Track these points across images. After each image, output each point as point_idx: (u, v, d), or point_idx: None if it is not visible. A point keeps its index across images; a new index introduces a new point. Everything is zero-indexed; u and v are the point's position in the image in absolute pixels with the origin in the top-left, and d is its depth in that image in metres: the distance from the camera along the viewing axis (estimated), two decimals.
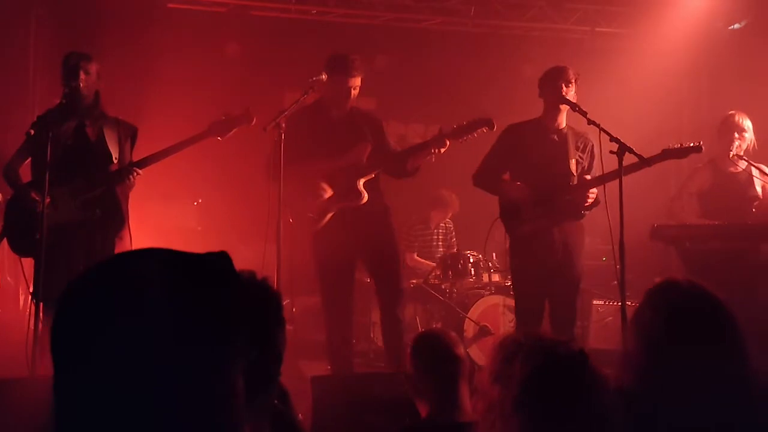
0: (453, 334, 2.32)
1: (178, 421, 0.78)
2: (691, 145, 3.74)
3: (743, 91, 5.00)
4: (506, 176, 4.12)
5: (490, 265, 5.46)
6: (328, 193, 4.00)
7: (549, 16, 6.30)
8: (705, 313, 1.82)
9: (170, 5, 5.97)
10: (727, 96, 4.94)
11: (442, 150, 3.87)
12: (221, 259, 0.87)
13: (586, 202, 3.87)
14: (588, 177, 3.96)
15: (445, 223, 6.13)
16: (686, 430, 1.70)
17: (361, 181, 3.96)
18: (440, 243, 6.09)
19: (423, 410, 2.13)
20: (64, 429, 0.80)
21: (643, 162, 3.51)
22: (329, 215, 3.99)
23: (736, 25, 5.90)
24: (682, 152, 3.74)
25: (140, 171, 3.75)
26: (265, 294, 1.33)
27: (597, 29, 6.36)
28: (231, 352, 0.83)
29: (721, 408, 1.71)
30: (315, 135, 3.98)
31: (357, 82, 4.02)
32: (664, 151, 3.74)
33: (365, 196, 3.95)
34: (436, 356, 2.11)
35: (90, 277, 0.83)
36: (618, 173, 3.49)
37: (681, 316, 1.83)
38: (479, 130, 3.86)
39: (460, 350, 2.17)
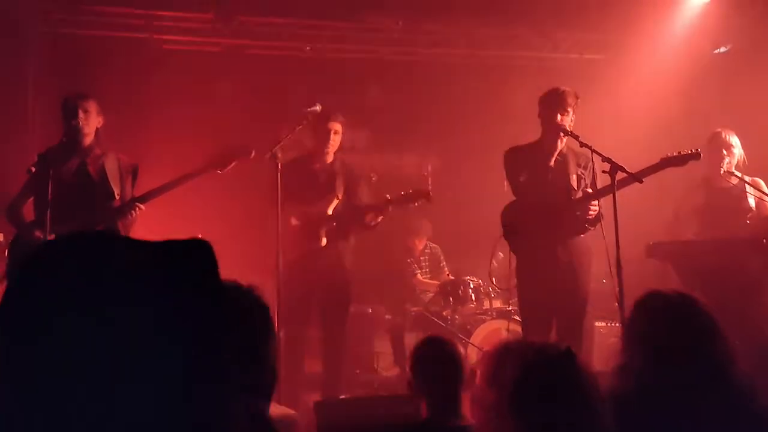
0: (453, 340, 2.37)
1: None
2: (690, 152, 3.72)
3: (730, 110, 5.10)
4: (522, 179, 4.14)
5: (491, 290, 5.48)
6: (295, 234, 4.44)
7: (537, 45, 6.44)
8: (691, 322, 1.89)
9: (165, 46, 6.08)
10: (715, 115, 5.04)
11: (385, 213, 4.45)
12: (201, 249, 0.81)
13: (589, 215, 3.89)
14: (590, 191, 3.99)
15: (429, 249, 6.19)
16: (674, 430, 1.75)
17: (323, 229, 4.45)
18: (427, 268, 6.14)
19: (423, 413, 2.16)
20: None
21: (640, 175, 3.56)
22: (292, 254, 4.33)
23: (722, 49, 6.04)
24: (680, 159, 3.71)
25: (143, 206, 3.79)
26: (251, 302, 1.35)
27: (585, 56, 6.49)
28: (214, 360, 0.77)
29: (708, 416, 1.76)
30: (299, 182, 4.47)
31: (337, 126, 4.50)
32: (662, 159, 3.72)
33: (324, 241, 4.46)
34: (437, 360, 2.16)
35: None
36: (611, 180, 3.52)
37: (664, 323, 1.90)
38: (418, 201, 4.43)
39: (461, 355, 2.22)
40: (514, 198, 4.16)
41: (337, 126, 4.51)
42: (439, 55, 6.53)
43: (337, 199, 4.54)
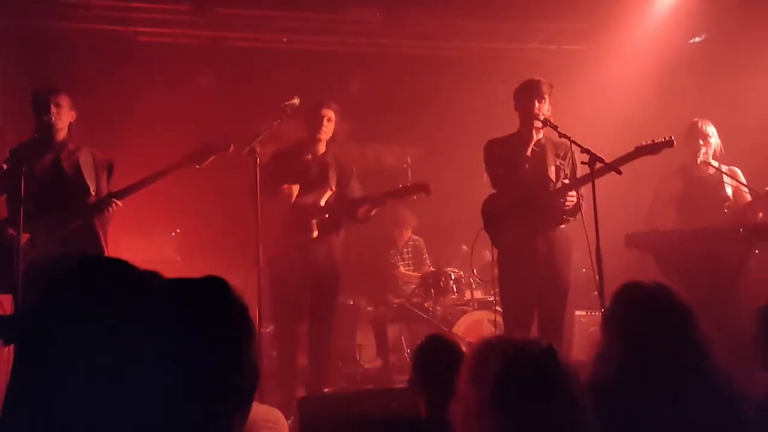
0: (457, 339, 2.36)
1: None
2: (663, 139, 3.74)
3: (707, 100, 5.14)
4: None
5: (472, 281, 5.50)
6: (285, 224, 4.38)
7: (517, 36, 6.43)
8: (669, 312, 1.93)
9: (140, 38, 5.99)
10: (692, 105, 5.07)
11: (382, 205, 4.42)
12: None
13: (567, 205, 3.90)
14: (567, 181, 4.01)
15: (413, 241, 6.19)
16: (654, 421, 1.78)
17: (314, 221, 4.37)
18: (410, 261, 6.14)
19: (422, 411, 2.15)
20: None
21: (616, 164, 3.58)
22: (281, 245, 4.32)
23: (697, 39, 6.08)
24: (654, 148, 3.74)
25: (119, 202, 3.74)
26: (229, 301, 1.32)
27: (563, 47, 6.50)
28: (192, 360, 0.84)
29: (686, 403, 1.79)
30: (290, 173, 4.40)
31: (330, 114, 4.45)
32: (636, 148, 3.75)
33: (315, 233, 4.37)
34: (441, 359, 2.14)
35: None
36: (590, 171, 3.54)
37: (642, 312, 1.94)
38: (418, 194, 4.34)
39: (464, 354, 2.21)
40: (494, 190, 4.17)
41: (330, 113, 4.45)
42: (419, 47, 6.50)
43: (331, 190, 4.46)
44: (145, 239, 5.31)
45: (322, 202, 4.42)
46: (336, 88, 6.09)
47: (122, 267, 0.90)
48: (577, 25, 6.28)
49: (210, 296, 1.36)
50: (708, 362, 1.88)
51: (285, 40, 6.24)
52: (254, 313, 3.52)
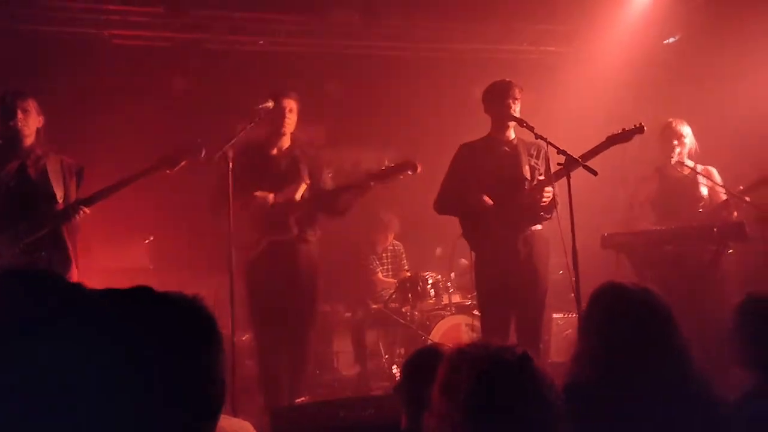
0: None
1: None
2: (634, 126, 3.72)
3: (682, 100, 5.18)
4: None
5: (449, 285, 5.47)
6: (262, 225, 4.14)
7: (494, 38, 6.43)
8: (645, 311, 1.92)
9: (115, 41, 5.89)
10: (667, 105, 5.10)
11: (365, 192, 4.13)
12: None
13: (543, 202, 3.88)
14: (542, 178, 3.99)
15: (393, 246, 6.14)
16: (631, 420, 1.77)
17: (293, 218, 4.14)
18: (389, 266, 6.09)
19: (403, 421, 2.10)
20: None
21: (589, 155, 3.60)
22: (261, 247, 4.11)
23: (671, 39, 6.13)
24: (625, 136, 3.72)
25: (87, 209, 3.65)
26: (196, 314, 1.27)
27: (541, 48, 6.52)
28: (150, 377, 0.81)
29: (663, 401, 1.78)
30: (255, 171, 4.12)
31: (291, 104, 4.23)
32: (608, 137, 3.74)
33: (294, 231, 4.14)
34: (426, 371, 2.09)
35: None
36: (566, 173, 3.53)
37: (623, 315, 1.92)
38: (404, 173, 4.03)
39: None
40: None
41: (291, 104, 4.25)
42: (397, 49, 6.47)
43: (305, 184, 4.21)
44: (117, 248, 5.21)
45: (298, 197, 4.17)
46: (313, 90, 6.04)
47: (48, 281, 0.87)
48: (555, 27, 6.30)
49: (148, 306, 1.31)
50: (688, 367, 1.87)
51: (261, 42, 6.18)
52: (226, 321, 3.45)
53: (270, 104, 3.99)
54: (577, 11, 5.70)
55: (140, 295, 0.93)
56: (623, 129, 3.73)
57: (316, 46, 6.33)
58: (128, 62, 5.88)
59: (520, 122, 3.90)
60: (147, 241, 5.54)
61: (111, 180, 3.72)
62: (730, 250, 4.18)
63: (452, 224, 4.24)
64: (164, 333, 1.01)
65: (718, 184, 4.41)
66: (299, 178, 4.21)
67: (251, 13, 5.96)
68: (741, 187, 4.24)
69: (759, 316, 2.12)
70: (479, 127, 4.29)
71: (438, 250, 5.84)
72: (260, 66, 6.16)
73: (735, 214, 4.28)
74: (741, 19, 5.18)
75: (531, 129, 3.80)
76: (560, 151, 3.57)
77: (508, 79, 4.06)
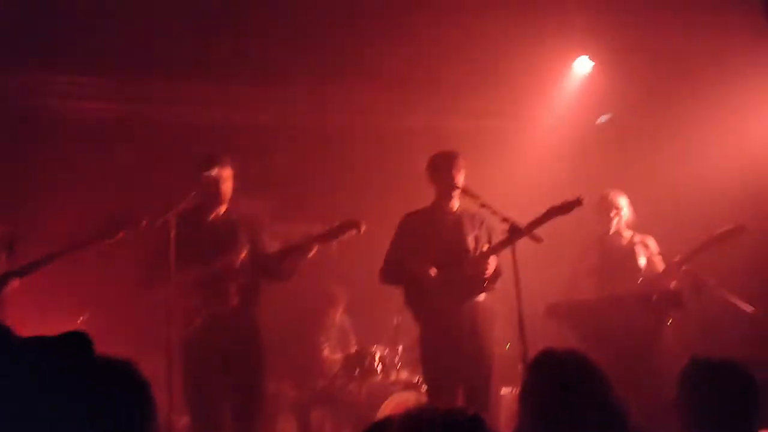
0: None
1: None
2: (573, 199, 3.79)
3: (617, 172, 5.39)
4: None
5: (397, 360, 5.34)
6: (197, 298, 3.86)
7: (437, 110, 6.60)
8: (582, 378, 1.92)
9: (55, 114, 5.80)
10: (603, 177, 5.29)
11: (309, 254, 3.89)
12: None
13: (486, 273, 3.89)
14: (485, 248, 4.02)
15: (341, 322, 6.04)
16: None
17: (232, 285, 3.89)
18: (336, 342, 5.98)
19: None
20: None
21: (531, 227, 3.65)
22: (198, 321, 3.84)
23: (603, 118, 6.46)
24: (565, 208, 3.78)
25: (18, 281, 3.48)
26: (129, 375, 1.20)
27: (482, 123, 6.72)
28: None
29: None
30: (188, 240, 3.82)
31: (223, 172, 4.00)
32: (548, 210, 3.79)
33: (234, 300, 3.88)
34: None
35: None
36: (511, 242, 3.57)
37: (556, 380, 1.93)
38: (348, 233, 3.87)
39: None
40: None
41: (226, 172, 4.03)
42: (343, 121, 6.56)
43: (245, 249, 3.98)
44: (48, 327, 4.90)
45: (237, 264, 3.95)
46: (260, 163, 6.03)
47: None
48: (497, 103, 6.52)
49: (108, 371, 1.23)
50: (627, 425, 1.86)
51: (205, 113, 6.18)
52: (163, 403, 3.26)
53: (214, 172, 3.93)
54: (519, 87, 5.94)
55: (73, 343, 0.86)
56: (564, 201, 3.81)
57: (266, 119, 6.37)
58: (72, 133, 5.78)
59: (466, 191, 3.96)
60: (80, 320, 5.21)
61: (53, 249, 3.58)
62: (671, 320, 4.26)
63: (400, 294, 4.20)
64: (97, 389, 0.93)
65: (655, 254, 4.54)
66: (237, 243, 3.99)
67: (196, 85, 5.97)
68: (678, 257, 4.36)
69: (703, 379, 2.13)
70: (424, 197, 4.33)
71: (395, 320, 5.74)
72: (204, 137, 6.13)
73: (673, 283, 4.38)
74: (669, 94, 5.48)
75: (476, 198, 3.86)
76: (503, 219, 3.63)
77: (452, 150, 4.13)
